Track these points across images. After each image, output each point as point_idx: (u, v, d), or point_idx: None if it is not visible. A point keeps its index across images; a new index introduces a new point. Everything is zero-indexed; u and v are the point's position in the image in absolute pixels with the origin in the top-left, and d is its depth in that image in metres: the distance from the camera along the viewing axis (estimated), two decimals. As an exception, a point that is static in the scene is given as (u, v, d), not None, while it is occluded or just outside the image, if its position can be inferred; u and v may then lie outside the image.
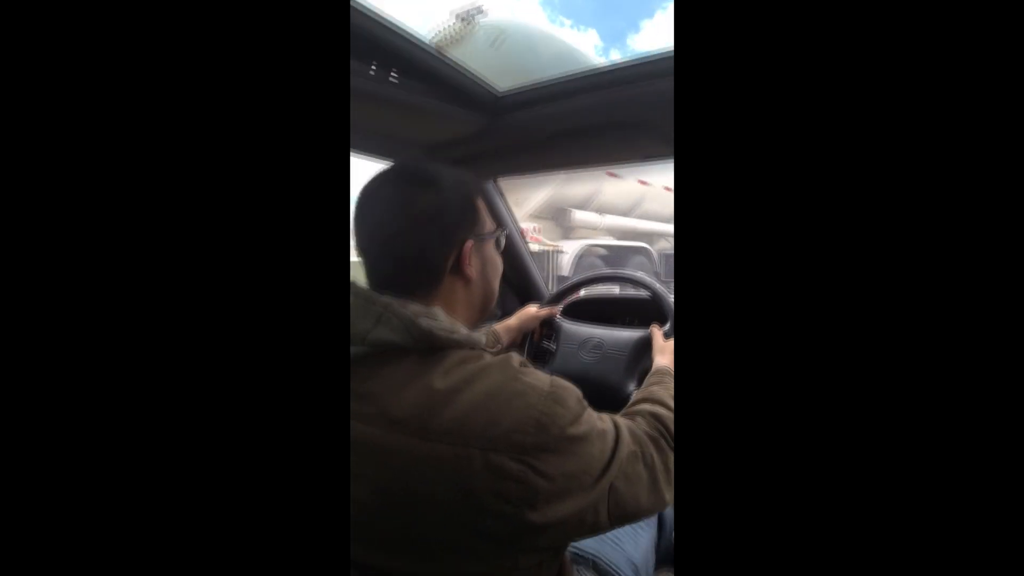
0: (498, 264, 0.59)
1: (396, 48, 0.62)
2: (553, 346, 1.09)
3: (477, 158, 0.96)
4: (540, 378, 0.47)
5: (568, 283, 1.20)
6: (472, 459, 0.41)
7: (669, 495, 0.54)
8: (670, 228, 7.57)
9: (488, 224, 0.57)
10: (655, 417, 0.59)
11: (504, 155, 0.95)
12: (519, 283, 1.44)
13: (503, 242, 0.61)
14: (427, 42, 0.66)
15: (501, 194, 1.24)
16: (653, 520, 0.92)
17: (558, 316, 1.12)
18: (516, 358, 0.48)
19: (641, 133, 0.77)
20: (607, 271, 1.17)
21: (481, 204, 0.56)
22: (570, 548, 0.74)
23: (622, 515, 0.48)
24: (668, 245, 7.53)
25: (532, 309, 1.10)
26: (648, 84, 0.67)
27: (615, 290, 1.42)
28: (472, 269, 0.53)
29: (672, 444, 0.56)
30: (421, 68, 0.67)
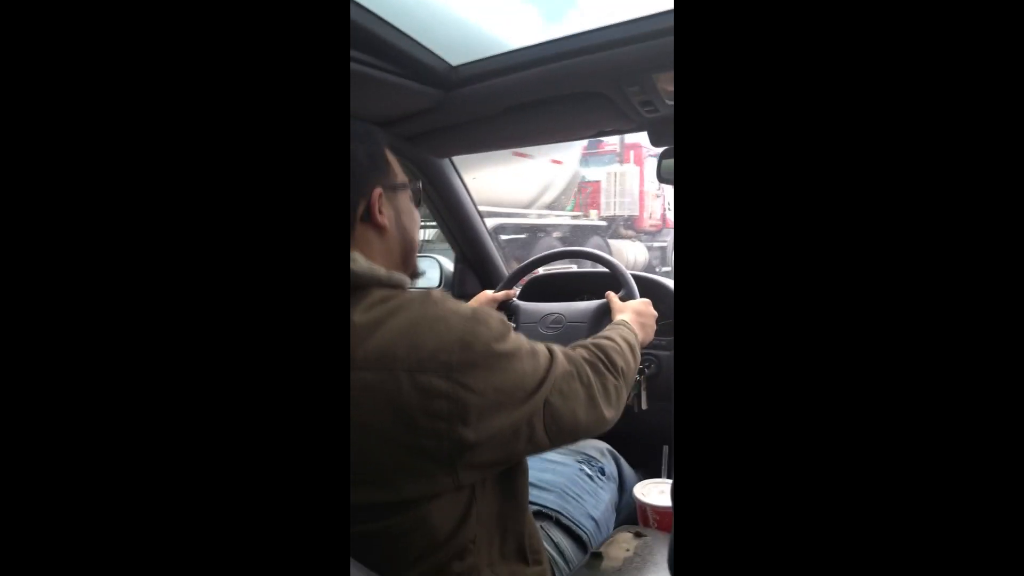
0: (415, 215, 0.61)
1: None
2: (513, 325, 1.11)
3: (431, 134, 0.97)
4: (461, 304, 0.49)
5: (522, 264, 1.22)
6: (400, 381, 0.43)
7: (609, 413, 0.57)
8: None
9: (400, 176, 0.59)
10: (595, 346, 0.62)
11: (459, 131, 0.96)
12: (479, 264, 1.46)
13: (419, 193, 0.63)
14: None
15: (458, 173, 1.25)
16: (614, 481, 0.96)
17: (515, 298, 1.14)
18: (437, 292, 0.51)
19: (596, 106, 0.80)
20: (561, 248, 1.19)
21: (391, 157, 0.58)
22: (533, 503, 0.77)
23: (559, 431, 0.51)
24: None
25: (488, 293, 1.12)
26: (601, 55, 0.70)
27: (572, 267, 1.46)
28: (384, 218, 0.54)
29: (611, 369, 0.59)
30: (371, 40, 0.68)
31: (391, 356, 0.44)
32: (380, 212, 0.54)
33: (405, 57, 0.73)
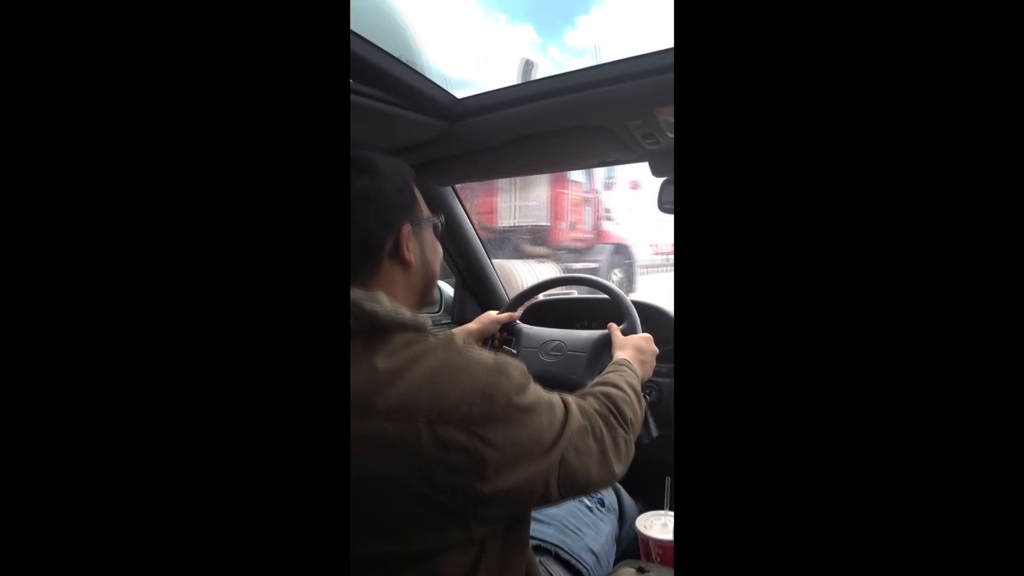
0: (438, 249, 0.61)
1: (353, 53, 0.64)
2: (514, 350, 1.11)
3: (436, 164, 0.99)
4: (484, 353, 0.48)
5: (527, 288, 1.22)
6: (419, 433, 0.42)
7: (619, 469, 0.56)
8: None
9: (425, 210, 0.59)
10: (605, 396, 0.61)
11: (463, 161, 0.97)
12: (479, 289, 1.46)
13: (440, 227, 0.63)
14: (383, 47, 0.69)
15: (460, 200, 1.26)
16: (614, 513, 0.95)
17: (518, 320, 1.14)
18: (459, 337, 0.50)
19: (598, 138, 0.82)
20: (565, 275, 1.20)
21: (417, 192, 0.58)
22: (533, 538, 0.76)
23: (572, 487, 0.50)
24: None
25: (492, 314, 1.12)
26: (605, 90, 0.71)
27: (573, 293, 1.46)
28: (411, 254, 0.54)
29: (622, 422, 0.59)
30: (378, 73, 0.70)
31: (412, 407, 0.43)
32: (407, 248, 0.54)
33: (411, 91, 0.75)
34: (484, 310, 1.41)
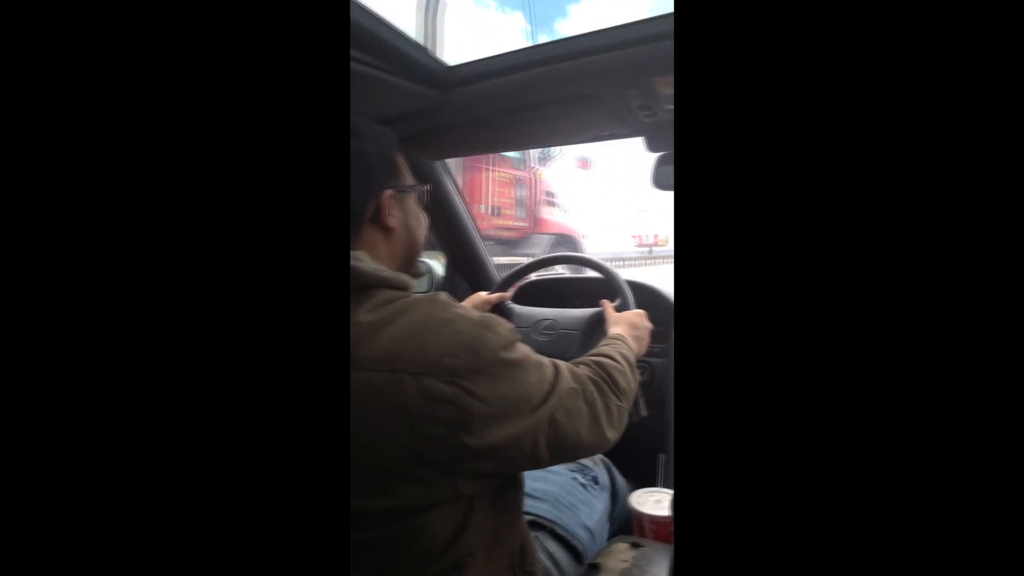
0: (422, 218, 0.60)
1: None
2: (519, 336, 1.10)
3: (426, 136, 0.96)
4: (470, 309, 0.48)
5: (517, 268, 1.21)
6: (403, 383, 0.41)
7: (611, 434, 0.56)
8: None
9: (409, 178, 0.58)
10: (597, 364, 0.61)
11: (454, 133, 0.95)
12: (469, 269, 1.44)
13: (426, 197, 0.62)
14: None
15: (450, 175, 1.23)
16: (607, 491, 0.95)
17: (509, 301, 1.13)
18: (444, 294, 0.50)
19: (593, 110, 0.80)
20: (555, 253, 1.18)
21: (401, 159, 0.58)
22: (527, 513, 0.75)
23: (561, 448, 0.49)
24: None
25: (483, 295, 1.11)
26: (601, 58, 0.69)
27: (564, 272, 1.45)
28: (392, 220, 0.54)
29: (615, 389, 0.59)
30: (368, 39, 0.67)
31: (396, 357, 0.42)
32: (389, 214, 0.54)
33: (402, 57, 0.72)
34: (474, 290, 1.40)
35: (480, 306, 1.08)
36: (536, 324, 1.07)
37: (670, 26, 0.64)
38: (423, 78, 0.77)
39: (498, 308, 1.12)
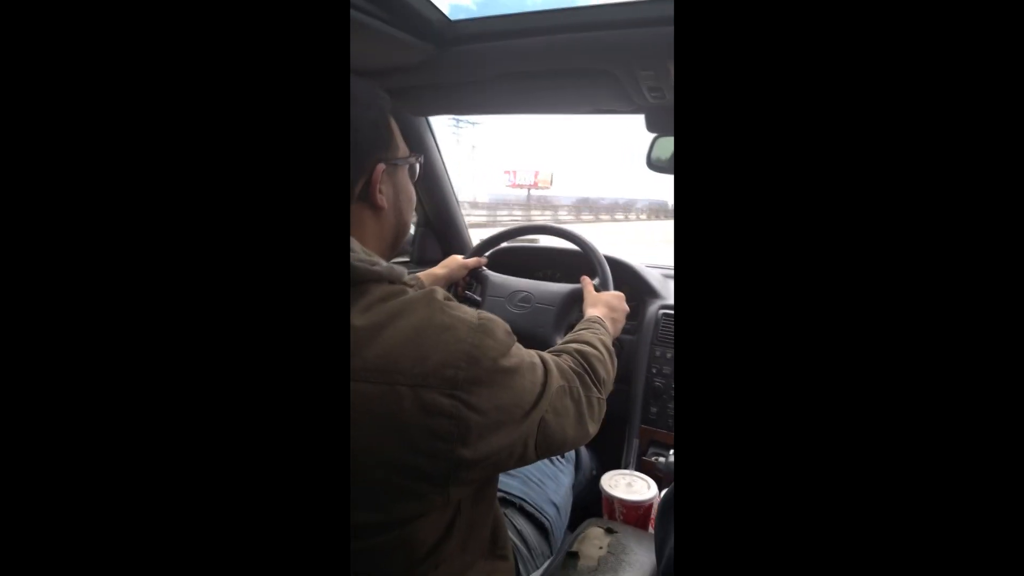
0: (411, 194, 0.56)
1: None
2: (479, 297, 1.08)
3: (415, 91, 0.89)
4: (467, 311, 0.45)
5: (495, 233, 1.17)
6: (401, 397, 0.39)
7: (592, 428, 0.56)
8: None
9: (402, 148, 0.53)
10: (580, 354, 0.60)
11: (446, 91, 0.88)
12: (444, 229, 1.40)
13: (418, 170, 0.57)
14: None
15: (432, 133, 1.17)
16: (571, 463, 0.97)
17: (484, 268, 1.11)
18: (440, 292, 0.46)
19: (599, 83, 0.75)
20: (539, 223, 1.15)
21: (394, 125, 0.52)
22: (499, 492, 0.76)
23: (548, 447, 0.49)
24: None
25: (459, 259, 1.07)
26: (619, 33, 0.65)
27: (539, 241, 1.43)
28: (383, 197, 0.49)
29: (596, 381, 0.58)
30: None
31: (393, 368, 0.40)
32: (380, 191, 0.49)
33: (400, 5, 0.65)
34: (446, 253, 1.36)
35: (457, 270, 1.05)
36: (511, 295, 1.06)
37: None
38: (421, 31, 0.70)
39: (474, 273, 1.09)
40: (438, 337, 0.42)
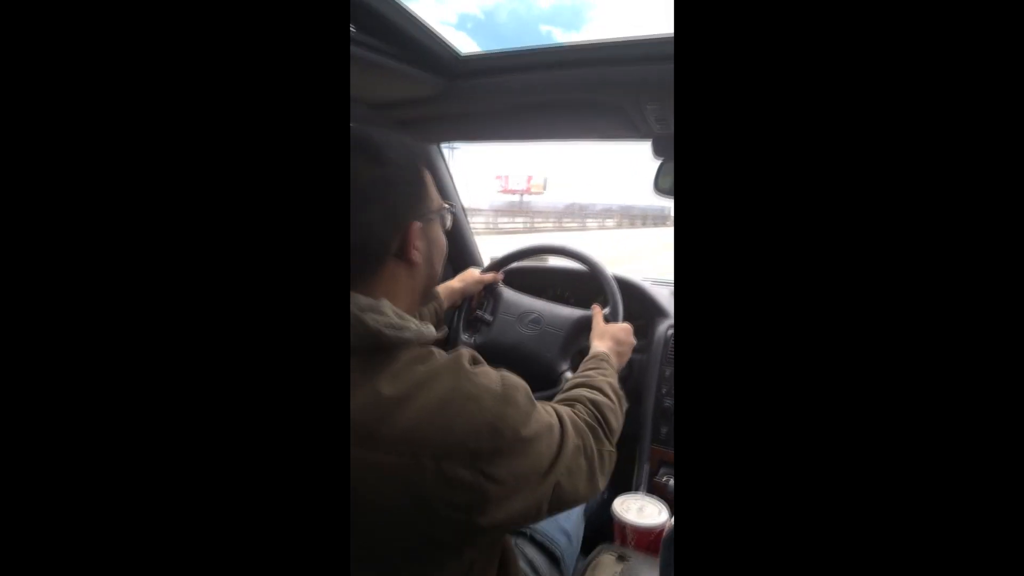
0: (443, 245, 0.56)
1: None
2: (490, 316, 1.09)
3: (429, 121, 0.90)
4: (491, 377, 0.45)
5: (513, 250, 1.18)
6: (423, 469, 0.39)
7: (602, 483, 0.55)
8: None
9: (435, 201, 0.53)
10: (594, 405, 0.60)
11: (456, 120, 0.89)
12: (455, 250, 1.40)
13: (449, 220, 0.57)
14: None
15: (443, 158, 1.18)
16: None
17: (500, 283, 1.11)
18: (467, 355, 0.46)
19: (607, 114, 0.76)
20: (555, 244, 1.15)
21: (428, 178, 0.52)
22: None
23: (559, 507, 0.49)
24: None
25: (475, 272, 1.08)
26: (626, 68, 0.66)
27: (550, 261, 1.43)
28: (418, 253, 0.49)
29: (607, 433, 0.57)
30: (380, 22, 0.61)
31: (419, 440, 0.40)
32: (415, 248, 0.48)
33: (411, 42, 0.66)
34: (457, 269, 1.37)
35: (472, 284, 1.06)
36: (522, 315, 1.06)
37: None
38: (431, 66, 0.71)
39: (489, 288, 1.10)
40: (463, 407, 0.42)
